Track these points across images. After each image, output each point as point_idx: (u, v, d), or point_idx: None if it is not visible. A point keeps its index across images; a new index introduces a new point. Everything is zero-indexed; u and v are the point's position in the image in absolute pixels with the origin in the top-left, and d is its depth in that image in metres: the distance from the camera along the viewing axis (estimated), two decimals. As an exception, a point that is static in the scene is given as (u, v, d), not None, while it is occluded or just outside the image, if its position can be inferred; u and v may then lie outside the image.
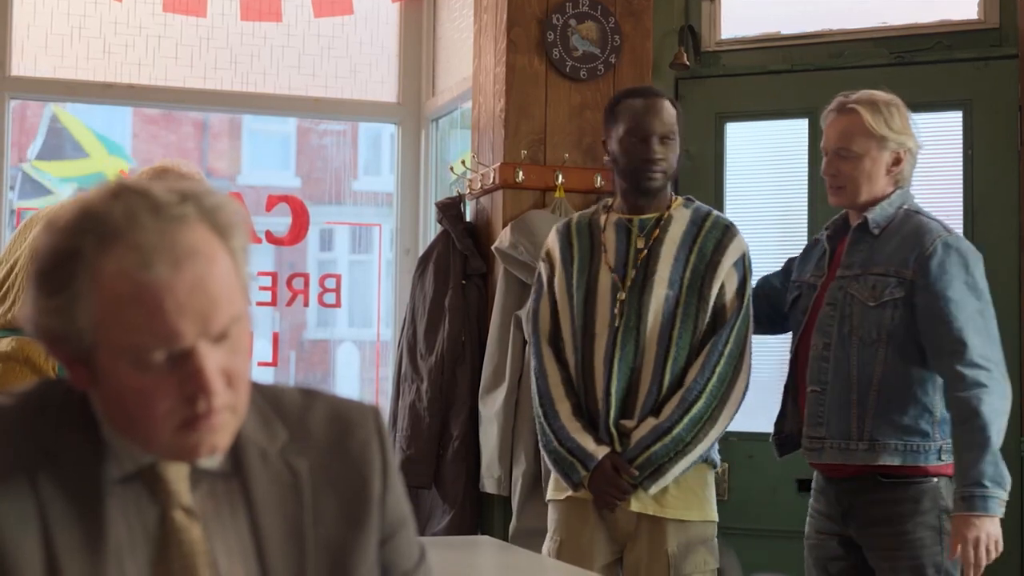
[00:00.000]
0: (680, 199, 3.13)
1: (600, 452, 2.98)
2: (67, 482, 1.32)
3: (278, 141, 8.69)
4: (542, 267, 3.17)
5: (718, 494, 4.00)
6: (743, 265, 3.07)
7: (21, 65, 4.53)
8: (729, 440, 4.02)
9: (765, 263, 4.17)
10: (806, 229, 4.01)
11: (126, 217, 1.26)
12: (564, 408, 3.05)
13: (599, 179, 4.04)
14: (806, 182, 4.03)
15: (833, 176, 2.97)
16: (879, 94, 2.97)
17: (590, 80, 4.08)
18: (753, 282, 3.12)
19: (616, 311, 3.01)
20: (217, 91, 4.75)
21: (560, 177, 4.01)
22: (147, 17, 4.63)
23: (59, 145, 6.15)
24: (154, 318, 1.25)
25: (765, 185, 4.19)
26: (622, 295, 3.03)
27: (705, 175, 4.15)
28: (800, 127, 4.07)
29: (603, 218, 3.12)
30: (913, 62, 3.90)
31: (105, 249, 1.25)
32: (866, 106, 2.93)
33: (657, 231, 3.05)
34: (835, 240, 3.05)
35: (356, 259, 7.07)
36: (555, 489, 3.12)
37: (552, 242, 3.17)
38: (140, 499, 1.35)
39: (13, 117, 4.60)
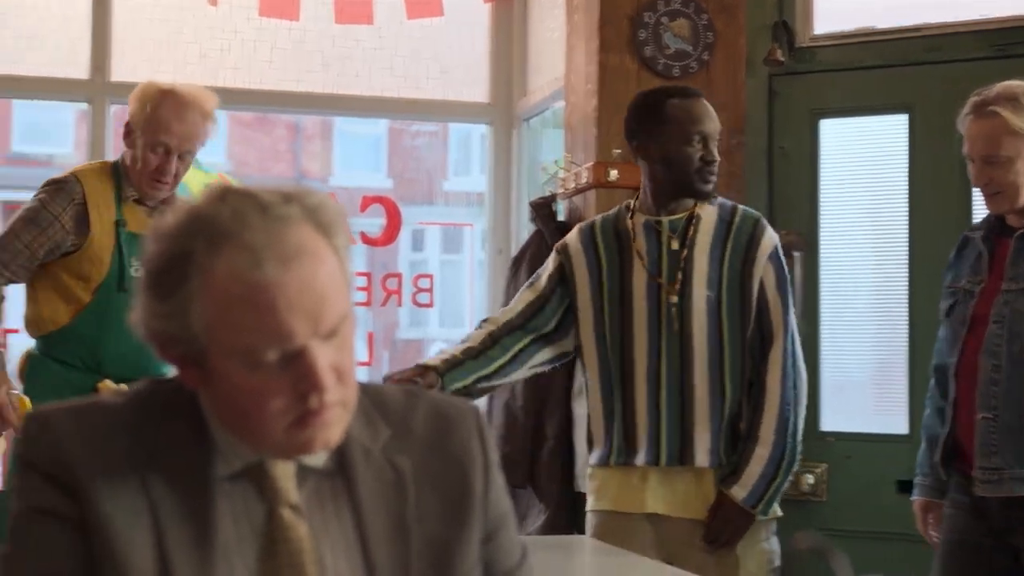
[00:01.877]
0: None
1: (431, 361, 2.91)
2: (177, 480, 1.34)
3: (369, 143, 8.77)
4: (552, 259, 3.06)
5: (816, 495, 3.95)
6: (778, 257, 2.96)
7: (121, 71, 4.61)
8: (827, 440, 3.98)
9: (860, 262, 4.13)
10: (906, 227, 3.94)
11: (235, 218, 1.27)
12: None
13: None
14: (905, 179, 3.96)
15: (986, 185, 2.80)
16: (1016, 86, 2.78)
17: (683, 77, 4.04)
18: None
19: (661, 315, 2.92)
20: (311, 94, 4.80)
21: (653, 176, 3.98)
22: (242, 22, 4.69)
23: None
24: (267, 318, 1.26)
25: (861, 183, 4.13)
26: (674, 298, 2.92)
27: (799, 173, 4.10)
28: (898, 123, 4.00)
29: (629, 221, 3.01)
30: (1015, 55, 3.82)
31: (216, 251, 1.27)
32: (1006, 104, 2.74)
33: (690, 231, 2.95)
34: (990, 241, 2.86)
35: (447, 259, 7.11)
36: (597, 500, 3.06)
37: (573, 240, 3.06)
38: (247, 497, 1.37)
39: (114, 121, 4.68)
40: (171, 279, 1.28)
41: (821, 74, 4.12)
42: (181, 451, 1.36)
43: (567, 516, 4.07)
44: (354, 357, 1.35)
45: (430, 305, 5.00)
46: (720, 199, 3.03)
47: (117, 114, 4.78)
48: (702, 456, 2.92)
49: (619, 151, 4.00)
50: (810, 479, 3.92)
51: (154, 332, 1.32)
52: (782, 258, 2.98)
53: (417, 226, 6.49)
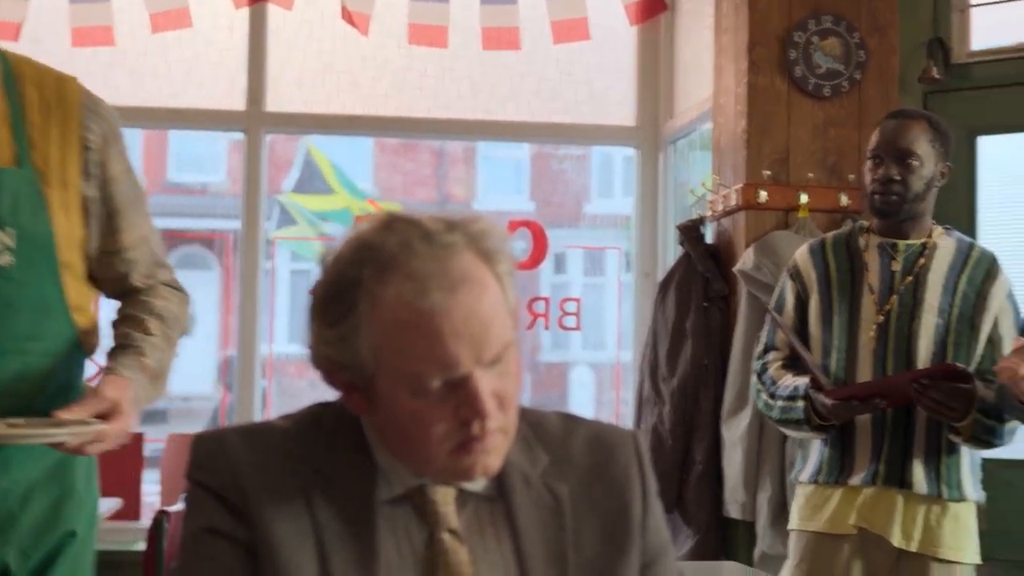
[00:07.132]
0: (940, 228, 3.00)
1: (802, 380, 2.86)
2: (341, 502, 1.37)
3: (512, 167, 8.85)
4: (788, 284, 3.05)
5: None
6: (1012, 299, 2.94)
7: (276, 101, 4.73)
8: (987, 468, 3.85)
9: (1022, 285, 4.00)
10: (1070, 247, 3.82)
11: (401, 247, 1.30)
12: (777, 373, 2.96)
13: (844, 198, 3.94)
14: (1068, 198, 3.83)
15: None
16: None
17: (834, 97, 3.99)
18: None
19: (888, 338, 2.88)
20: (459, 120, 4.85)
21: (804, 197, 3.93)
22: (392, 50, 4.76)
23: (311, 179, 6.42)
24: (432, 345, 1.28)
25: (1023, 202, 4.00)
26: (880, 318, 2.89)
27: (956, 192, 3.99)
28: (1060, 139, 3.88)
29: (863, 239, 3.00)
30: None
31: (383, 278, 1.29)
32: None
33: (922, 259, 2.93)
34: None
35: (589, 282, 7.11)
36: (803, 519, 2.99)
37: (804, 260, 3.04)
38: (409, 521, 1.39)
39: (268, 150, 4.80)
40: (340, 306, 1.31)
41: (979, 91, 4.01)
42: (346, 474, 1.38)
43: (715, 541, 4.02)
44: (518, 385, 1.36)
45: (577, 328, 5.00)
46: (956, 232, 3.03)
47: (271, 143, 4.91)
48: (919, 482, 2.85)
49: (768, 172, 3.95)
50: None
51: (323, 358, 1.35)
52: (1016, 300, 2.96)
53: (560, 249, 6.49)
